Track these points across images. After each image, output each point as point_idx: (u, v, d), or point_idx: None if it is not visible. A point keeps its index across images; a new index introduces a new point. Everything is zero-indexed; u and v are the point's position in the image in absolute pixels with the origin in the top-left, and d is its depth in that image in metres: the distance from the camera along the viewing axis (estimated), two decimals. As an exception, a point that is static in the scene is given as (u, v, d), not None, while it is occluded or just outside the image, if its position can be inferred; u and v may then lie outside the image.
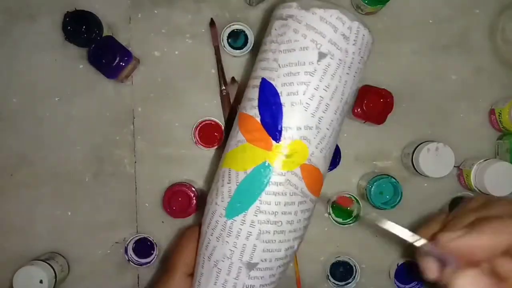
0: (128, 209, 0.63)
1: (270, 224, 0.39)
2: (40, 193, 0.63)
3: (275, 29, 0.42)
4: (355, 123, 0.63)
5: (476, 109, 0.65)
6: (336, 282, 0.63)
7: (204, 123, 0.61)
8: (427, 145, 0.59)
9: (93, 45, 0.58)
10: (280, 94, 0.40)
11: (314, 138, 0.40)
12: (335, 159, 0.62)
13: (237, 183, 0.40)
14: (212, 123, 0.61)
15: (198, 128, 0.61)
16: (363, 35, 0.41)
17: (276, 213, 0.39)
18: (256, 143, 0.40)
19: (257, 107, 0.41)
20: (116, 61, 0.58)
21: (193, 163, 0.63)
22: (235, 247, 0.39)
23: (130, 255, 0.62)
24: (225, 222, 0.40)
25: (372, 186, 0.60)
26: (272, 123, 0.39)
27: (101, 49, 0.58)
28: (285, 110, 0.39)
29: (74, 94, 0.62)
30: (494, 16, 0.64)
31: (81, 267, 0.63)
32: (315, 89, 0.39)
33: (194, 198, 0.60)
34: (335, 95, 0.40)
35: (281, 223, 0.40)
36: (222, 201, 0.41)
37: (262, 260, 0.39)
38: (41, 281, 0.57)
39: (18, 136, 0.63)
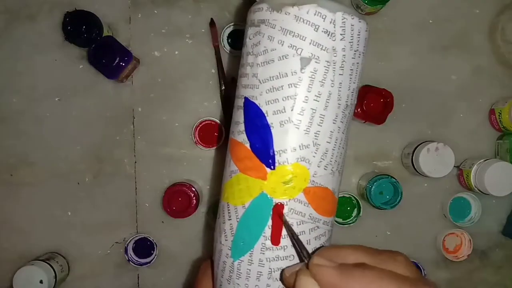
0: (128, 209, 0.63)
1: (281, 260, 0.35)
2: (40, 193, 0.63)
3: (249, 39, 0.37)
4: (355, 123, 0.63)
5: (476, 109, 0.65)
6: (336, 282, 0.62)
7: (204, 123, 0.61)
8: (427, 145, 0.59)
9: (93, 45, 0.58)
10: (266, 114, 0.35)
11: (314, 156, 0.35)
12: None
13: (237, 219, 0.36)
14: (212, 123, 0.61)
15: (198, 128, 0.61)
16: (352, 25, 0.35)
17: (285, 248, 0.35)
18: (250, 173, 0.36)
19: (244, 132, 0.36)
20: (116, 61, 0.58)
21: (193, 163, 0.63)
22: None
23: (130, 255, 0.61)
24: (232, 263, 0.36)
25: (372, 186, 0.60)
26: (262, 148, 0.35)
27: (101, 49, 0.58)
28: (275, 131, 0.35)
29: (74, 94, 0.62)
30: (494, 16, 0.64)
31: (81, 267, 0.63)
32: (304, 101, 0.34)
33: (194, 198, 0.60)
34: (329, 102, 0.35)
35: (293, 257, 0.35)
36: (226, 240, 0.37)
37: None
38: (41, 281, 0.57)
39: (18, 136, 0.63)
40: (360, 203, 0.62)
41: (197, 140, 0.61)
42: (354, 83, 0.37)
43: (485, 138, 0.65)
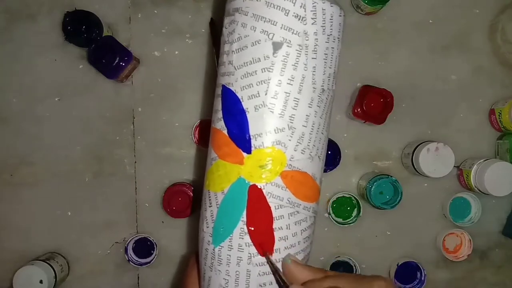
0: (128, 209, 0.63)
1: None
2: (40, 193, 0.63)
3: (225, 28, 0.37)
4: (355, 123, 0.63)
5: (476, 109, 0.65)
6: (336, 282, 0.62)
7: (204, 123, 0.61)
8: (427, 145, 0.59)
9: (93, 45, 0.58)
10: (241, 100, 0.35)
11: (290, 140, 0.35)
12: (335, 159, 0.62)
13: (217, 206, 0.36)
14: (212, 123, 0.61)
15: (198, 128, 0.61)
16: (323, 9, 0.35)
17: None
18: (228, 159, 0.36)
19: (222, 119, 0.37)
20: (116, 61, 0.58)
21: (193, 163, 0.63)
22: (228, 275, 0.36)
23: (130, 255, 0.61)
24: (213, 249, 0.36)
25: (372, 186, 0.60)
26: (239, 133, 0.35)
27: (101, 49, 0.58)
28: (250, 116, 0.35)
29: (74, 94, 0.62)
30: (494, 16, 0.64)
31: (81, 267, 0.63)
32: (277, 85, 0.35)
33: (194, 198, 0.60)
34: (303, 86, 0.35)
35: None
36: (207, 227, 0.37)
37: (260, 285, 0.36)
38: (41, 281, 0.57)
39: (18, 136, 0.63)
40: (360, 203, 0.62)
41: (197, 140, 0.61)
42: (330, 67, 0.37)
43: (485, 138, 0.65)
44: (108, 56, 0.58)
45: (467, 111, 0.65)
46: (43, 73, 0.62)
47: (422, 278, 0.62)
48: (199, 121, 0.61)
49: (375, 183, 0.60)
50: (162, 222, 0.63)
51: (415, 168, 0.60)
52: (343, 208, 0.63)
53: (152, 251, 0.62)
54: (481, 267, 0.66)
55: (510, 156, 0.62)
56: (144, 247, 0.62)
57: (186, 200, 0.60)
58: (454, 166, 0.60)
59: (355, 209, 0.62)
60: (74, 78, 0.62)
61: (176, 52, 0.63)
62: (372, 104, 0.60)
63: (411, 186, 0.63)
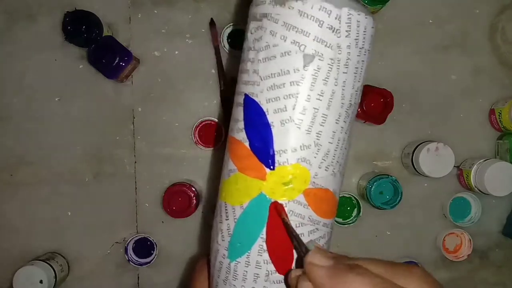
0: (128, 209, 0.63)
1: None
2: (40, 193, 0.63)
3: (251, 33, 0.35)
4: (355, 123, 0.63)
5: (476, 109, 0.65)
6: (336, 282, 0.62)
7: (204, 123, 0.61)
8: (427, 145, 0.59)
9: (93, 45, 0.58)
10: (266, 112, 0.34)
11: (315, 157, 0.34)
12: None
13: (235, 220, 0.35)
14: (212, 123, 0.61)
15: (198, 128, 0.61)
16: (358, 21, 0.34)
17: None
18: (248, 172, 0.35)
19: (243, 130, 0.35)
20: (116, 61, 0.58)
21: (193, 163, 0.63)
22: None
23: (130, 255, 0.61)
24: (228, 264, 0.35)
25: (372, 186, 0.60)
26: (262, 147, 0.34)
27: (101, 49, 0.58)
28: (275, 130, 0.34)
29: (74, 94, 0.62)
30: (494, 16, 0.64)
31: (81, 267, 0.63)
32: (306, 100, 0.33)
33: (194, 198, 0.60)
34: (332, 101, 0.34)
35: None
36: (222, 240, 0.36)
37: None
38: (41, 281, 0.57)
39: (18, 136, 0.63)
40: (360, 203, 0.62)
41: (197, 140, 0.61)
42: (358, 81, 0.36)
43: (485, 138, 0.65)
44: (108, 56, 0.58)
45: (467, 111, 0.65)
46: (43, 73, 0.62)
47: (422, 278, 0.62)
48: (199, 121, 0.61)
49: (375, 183, 0.60)
50: (162, 222, 0.63)
51: (415, 168, 0.60)
52: (343, 208, 0.63)
53: (152, 251, 0.62)
54: (481, 267, 0.66)
55: (510, 156, 0.62)
56: (144, 247, 0.62)
57: (186, 200, 0.60)
58: (454, 166, 0.60)
59: (355, 209, 0.62)
60: (74, 78, 0.62)
61: (176, 52, 0.63)
62: (372, 104, 0.60)
63: (411, 186, 0.63)
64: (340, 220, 0.63)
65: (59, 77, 0.62)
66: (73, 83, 0.62)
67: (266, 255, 0.34)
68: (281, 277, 0.34)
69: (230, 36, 0.61)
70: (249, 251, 0.34)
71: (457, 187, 0.65)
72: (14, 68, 0.62)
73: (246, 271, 0.35)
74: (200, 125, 0.61)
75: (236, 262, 0.35)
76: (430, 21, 0.64)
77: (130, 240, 0.62)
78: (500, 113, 0.62)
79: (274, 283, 0.35)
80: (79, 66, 0.62)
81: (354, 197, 0.62)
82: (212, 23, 0.62)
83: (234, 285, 0.35)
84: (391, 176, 0.60)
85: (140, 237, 0.62)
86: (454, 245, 0.65)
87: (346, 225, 0.63)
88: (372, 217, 0.64)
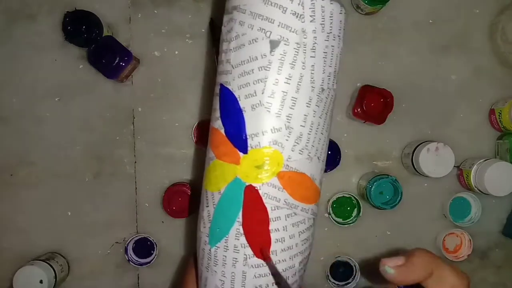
0: (128, 209, 0.63)
1: None
2: (40, 193, 0.63)
3: (224, 26, 0.37)
4: (355, 123, 0.63)
5: (476, 109, 0.65)
6: (336, 282, 0.63)
7: (204, 123, 0.61)
8: (427, 145, 0.59)
9: (93, 45, 0.58)
10: (238, 99, 0.35)
11: (287, 140, 0.35)
12: (335, 159, 0.62)
13: (214, 206, 0.36)
14: (212, 123, 0.61)
15: (198, 128, 0.61)
16: (322, 7, 0.34)
17: None
18: (224, 158, 0.36)
19: (219, 118, 0.36)
20: (116, 61, 0.58)
21: (193, 163, 0.63)
22: (224, 276, 0.35)
23: (130, 255, 0.62)
24: (209, 250, 0.36)
25: (372, 186, 0.60)
26: (235, 133, 0.35)
27: (101, 49, 0.58)
28: (247, 115, 0.34)
29: (74, 94, 0.62)
30: (494, 16, 0.64)
31: (81, 267, 0.63)
32: (274, 84, 0.34)
33: (194, 198, 0.60)
34: (301, 85, 0.35)
35: None
36: (204, 227, 0.37)
37: (256, 287, 0.35)
38: (41, 281, 0.57)
39: (18, 136, 0.63)
40: (360, 203, 0.62)
41: (197, 140, 0.61)
42: (330, 66, 0.36)
43: (485, 138, 0.65)
44: (108, 56, 0.58)
45: (467, 111, 0.65)
46: (43, 73, 0.62)
47: (422, 278, 0.62)
48: (199, 121, 0.61)
49: (375, 183, 0.60)
50: (162, 222, 0.63)
51: (415, 168, 0.60)
52: (343, 208, 0.63)
53: (152, 251, 0.62)
54: (481, 267, 0.66)
55: (510, 156, 0.62)
56: (144, 247, 0.62)
57: (186, 200, 0.60)
58: (454, 166, 0.60)
59: (355, 209, 0.63)
60: (74, 78, 0.62)
61: (176, 52, 0.63)
62: (372, 104, 0.60)
63: (411, 186, 0.63)
64: (340, 220, 0.63)
65: (59, 77, 0.62)
66: (73, 83, 0.62)
67: (243, 239, 0.34)
68: (260, 261, 0.35)
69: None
70: (227, 236, 0.35)
71: (457, 187, 0.65)
72: (14, 68, 0.62)
73: (225, 256, 0.35)
74: (200, 125, 0.61)
75: (216, 248, 0.35)
76: (430, 21, 0.64)
77: (130, 240, 0.62)
78: (500, 113, 0.62)
79: (253, 267, 0.35)
80: (79, 66, 0.62)
81: (354, 197, 0.62)
82: (212, 23, 0.61)
83: (215, 271, 0.36)
84: (391, 176, 0.60)
85: (140, 237, 0.62)
86: (454, 245, 0.65)
87: (346, 225, 0.63)
88: (372, 217, 0.64)
